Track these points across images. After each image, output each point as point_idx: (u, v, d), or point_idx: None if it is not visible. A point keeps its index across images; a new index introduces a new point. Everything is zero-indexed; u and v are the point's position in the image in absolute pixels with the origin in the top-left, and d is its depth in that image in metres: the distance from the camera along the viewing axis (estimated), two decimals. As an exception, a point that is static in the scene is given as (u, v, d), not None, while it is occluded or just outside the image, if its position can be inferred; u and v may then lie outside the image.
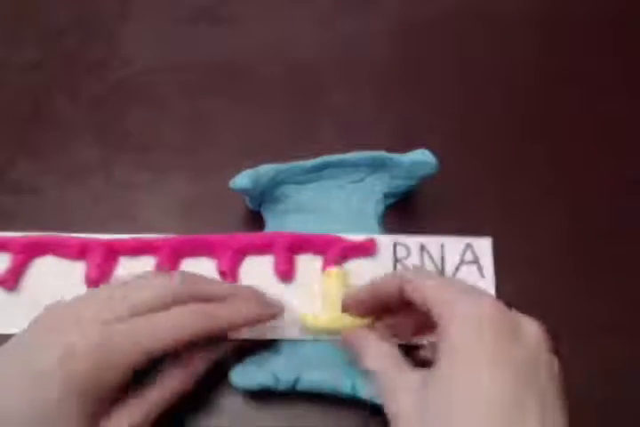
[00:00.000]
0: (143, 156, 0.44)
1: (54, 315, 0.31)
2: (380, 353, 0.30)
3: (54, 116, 0.46)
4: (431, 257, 0.38)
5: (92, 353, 0.28)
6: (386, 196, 0.40)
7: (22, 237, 0.39)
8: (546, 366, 0.26)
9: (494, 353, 0.25)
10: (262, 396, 0.34)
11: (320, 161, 0.39)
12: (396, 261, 0.38)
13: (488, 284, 0.37)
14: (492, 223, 0.40)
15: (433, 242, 0.38)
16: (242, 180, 0.37)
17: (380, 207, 0.40)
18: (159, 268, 0.37)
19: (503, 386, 0.25)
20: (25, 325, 0.31)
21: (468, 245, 0.38)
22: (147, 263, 0.38)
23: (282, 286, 0.37)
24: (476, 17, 0.51)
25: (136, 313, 0.30)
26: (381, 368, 0.29)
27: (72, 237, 0.38)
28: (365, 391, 0.33)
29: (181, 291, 0.31)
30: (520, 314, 0.28)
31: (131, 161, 0.43)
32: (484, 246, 0.38)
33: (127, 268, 0.38)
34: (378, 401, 0.32)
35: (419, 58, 0.49)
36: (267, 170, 0.38)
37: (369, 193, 0.40)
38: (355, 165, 0.40)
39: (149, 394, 0.31)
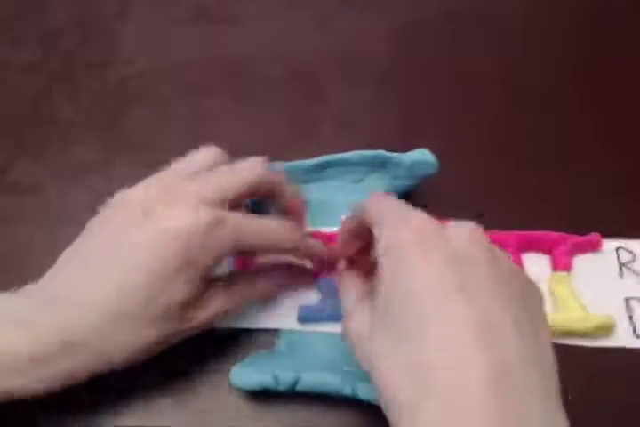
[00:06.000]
0: (143, 155, 0.43)
1: (140, 197, 0.33)
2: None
3: (54, 116, 0.46)
4: None
5: (203, 231, 0.29)
6: (386, 196, 0.40)
7: None
8: (477, 260, 0.26)
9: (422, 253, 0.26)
10: (262, 396, 0.34)
11: (320, 161, 0.39)
12: (621, 265, 0.37)
13: None
14: (492, 224, 0.40)
15: None
16: (242, 179, 0.37)
17: (380, 207, 0.40)
18: None
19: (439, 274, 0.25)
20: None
21: None
22: None
23: None
24: (475, 17, 0.51)
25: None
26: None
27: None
28: (366, 392, 0.32)
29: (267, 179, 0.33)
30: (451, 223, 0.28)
31: (131, 161, 0.43)
32: None
33: None
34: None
35: (418, 58, 0.49)
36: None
37: (369, 193, 0.40)
38: (355, 165, 0.40)
39: (239, 288, 0.33)
